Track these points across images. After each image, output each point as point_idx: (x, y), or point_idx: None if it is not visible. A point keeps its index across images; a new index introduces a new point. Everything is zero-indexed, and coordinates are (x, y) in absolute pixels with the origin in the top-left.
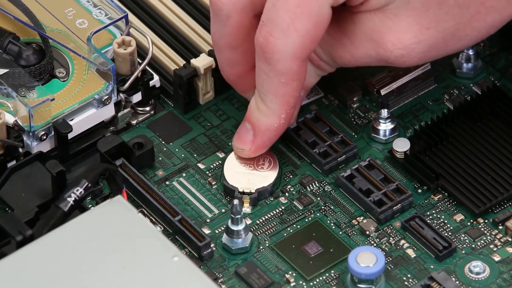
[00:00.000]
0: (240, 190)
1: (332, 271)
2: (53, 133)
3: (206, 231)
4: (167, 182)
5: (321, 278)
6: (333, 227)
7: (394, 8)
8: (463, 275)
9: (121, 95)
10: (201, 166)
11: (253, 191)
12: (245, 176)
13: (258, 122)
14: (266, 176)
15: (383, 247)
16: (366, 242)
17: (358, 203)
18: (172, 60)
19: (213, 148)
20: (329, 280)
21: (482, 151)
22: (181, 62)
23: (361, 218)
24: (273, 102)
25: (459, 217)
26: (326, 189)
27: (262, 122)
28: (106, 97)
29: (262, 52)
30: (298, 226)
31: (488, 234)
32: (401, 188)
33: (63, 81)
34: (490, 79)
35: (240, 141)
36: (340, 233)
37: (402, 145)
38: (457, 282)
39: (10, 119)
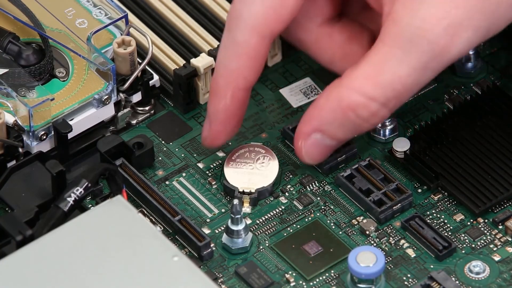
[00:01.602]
0: (240, 190)
1: (332, 271)
2: (53, 133)
3: (206, 231)
4: (167, 182)
5: (321, 278)
6: (333, 227)
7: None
8: (463, 275)
9: (121, 95)
10: (201, 166)
11: (253, 191)
12: (245, 175)
13: (209, 104)
14: (266, 176)
15: (383, 247)
16: (366, 242)
17: (358, 203)
18: (172, 60)
19: (213, 148)
20: (329, 280)
21: (482, 151)
22: (181, 62)
23: (361, 218)
24: (222, 77)
25: (459, 217)
26: (326, 189)
27: (211, 103)
28: (106, 97)
29: (227, 20)
30: (298, 226)
31: (488, 234)
32: (401, 188)
33: (63, 81)
34: (490, 79)
35: (202, 129)
36: (340, 233)
37: (402, 145)
38: (457, 282)
39: (10, 119)
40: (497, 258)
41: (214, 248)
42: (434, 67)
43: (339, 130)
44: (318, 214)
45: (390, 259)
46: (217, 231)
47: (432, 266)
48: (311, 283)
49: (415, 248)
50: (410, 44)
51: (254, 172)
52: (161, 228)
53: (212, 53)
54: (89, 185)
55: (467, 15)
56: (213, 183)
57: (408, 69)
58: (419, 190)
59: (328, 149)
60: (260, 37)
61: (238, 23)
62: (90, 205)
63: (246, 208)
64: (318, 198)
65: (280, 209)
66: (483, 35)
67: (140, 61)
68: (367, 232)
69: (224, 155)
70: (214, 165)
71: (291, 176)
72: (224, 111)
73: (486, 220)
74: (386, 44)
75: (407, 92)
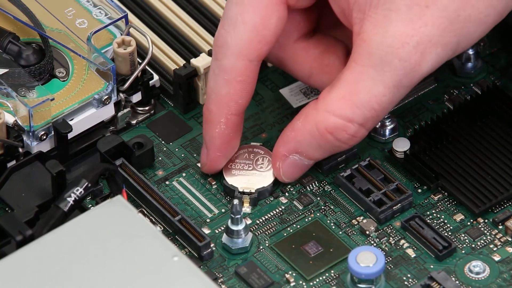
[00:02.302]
0: (240, 190)
1: (332, 271)
2: (53, 133)
3: (206, 231)
4: (167, 182)
5: (321, 278)
6: (333, 227)
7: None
8: (463, 275)
9: (121, 95)
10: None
11: (253, 191)
12: (244, 176)
13: (204, 131)
14: (265, 176)
15: (383, 247)
16: (366, 242)
17: (358, 203)
18: (172, 60)
19: None
20: (329, 280)
21: (482, 151)
22: (181, 62)
23: (361, 218)
24: (214, 104)
25: (459, 217)
26: (326, 189)
27: (206, 130)
28: (106, 97)
29: (214, 48)
30: (298, 226)
31: (488, 234)
32: (401, 188)
33: (63, 81)
34: (490, 79)
35: (201, 156)
36: (340, 233)
37: (402, 145)
38: (457, 282)
39: (10, 119)
40: (497, 258)
41: (214, 248)
42: (407, 84)
43: (316, 152)
44: (318, 214)
45: (390, 259)
46: (217, 231)
47: (432, 266)
48: (311, 283)
49: (415, 248)
50: (382, 63)
51: (253, 173)
52: (161, 228)
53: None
54: (89, 185)
55: (436, 32)
56: (213, 183)
57: (383, 88)
58: (419, 190)
59: (306, 168)
60: (246, 60)
61: (224, 50)
62: (90, 205)
63: (246, 208)
64: (318, 198)
65: (280, 209)
66: (453, 51)
67: (140, 61)
68: (367, 232)
69: None
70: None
71: (291, 181)
72: (219, 137)
73: (486, 220)
74: (359, 64)
75: (383, 110)
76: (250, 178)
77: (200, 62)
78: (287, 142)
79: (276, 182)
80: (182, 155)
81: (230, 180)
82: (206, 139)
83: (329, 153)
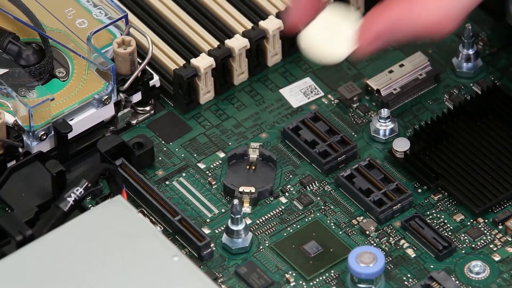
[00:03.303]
0: (240, 190)
1: (332, 271)
2: (53, 133)
3: (206, 231)
4: (167, 182)
5: (321, 278)
6: (333, 227)
7: None
8: (463, 275)
9: (121, 95)
10: (201, 166)
11: (253, 191)
12: (323, 36)
13: None
14: (344, 43)
15: (383, 247)
16: (366, 242)
17: (358, 203)
18: (172, 60)
19: (213, 148)
20: (329, 280)
21: (482, 151)
22: (181, 62)
23: (361, 218)
24: None
25: (459, 217)
26: (326, 189)
27: None
28: (106, 97)
29: None
30: (298, 226)
31: (488, 234)
32: (401, 188)
33: (63, 81)
34: (490, 79)
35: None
36: (340, 233)
37: (402, 145)
38: (457, 282)
39: (10, 119)
40: (497, 258)
41: (214, 248)
42: None
43: (409, 38)
44: (318, 214)
45: (390, 259)
46: (217, 231)
47: (432, 266)
48: (311, 283)
49: (415, 248)
50: None
51: (331, 35)
52: (161, 228)
53: (212, 53)
54: (89, 185)
55: None
56: (213, 183)
57: None
58: (419, 190)
59: (386, 46)
60: None
61: None
62: (90, 205)
63: (246, 208)
64: (318, 198)
65: (280, 209)
66: None
67: (140, 61)
68: (367, 232)
69: (224, 155)
70: (214, 165)
71: (291, 176)
72: None
73: (486, 220)
74: None
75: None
76: (328, 42)
77: (200, 62)
78: (385, 24)
79: (277, 182)
80: (182, 155)
81: (305, 42)
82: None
83: (420, 39)
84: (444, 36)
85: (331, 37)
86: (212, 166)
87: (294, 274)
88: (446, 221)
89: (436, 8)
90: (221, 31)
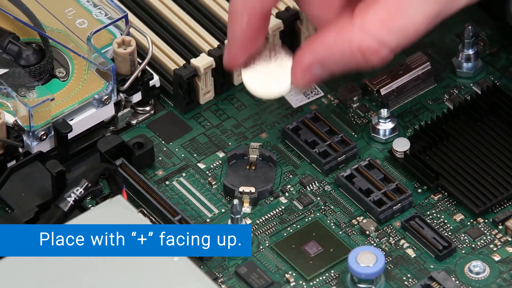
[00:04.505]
0: (240, 190)
1: (332, 271)
2: (53, 133)
3: None
4: (167, 182)
5: (321, 278)
6: (333, 227)
7: None
8: (463, 275)
9: (121, 95)
10: (201, 166)
11: (253, 191)
12: (260, 76)
13: (228, 27)
14: (282, 79)
15: (383, 247)
16: (366, 242)
17: (358, 203)
18: (172, 60)
19: (213, 148)
20: (329, 280)
21: (482, 151)
22: (181, 62)
23: (361, 218)
24: (239, 1)
25: (459, 217)
26: (326, 189)
27: (229, 26)
28: (106, 97)
29: None
30: (298, 226)
31: (488, 234)
32: (401, 188)
33: (63, 81)
34: (490, 79)
35: (223, 52)
36: (340, 233)
37: (402, 145)
38: (457, 282)
39: (10, 119)
40: (497, 258)
41: None
42: (443, 16)
43: (339, 67)
44: (318, 214)
45: (390, 259)
46: None
47: (432, 266)
48: (311, 283)
49: (415, 248)
50: None
51: (270, 74)
52: None
53: (212, 53)
54: (89, 185)
55: None
56: (213, 183)
57: (422, 16)
58: (419, 190)
59: (321, 78)
60: None
61: None
62: (90, 205)
63: (246, 208)
64: (318, 198)
65: (280, 209)
66: None
67: (140, 61)
68: (367, 232)
69: (224, 155)
70: (214, 165)
71: (291, 176)
72: (240, 34)
73: (486, 220)
74: None
75: (415, 39)
76: (267, 80)
77: (200, 62)
78: (315, 54)
79: (277, 182)
80: (182, 155)
81: (247, 79)
82: (228, 35)
83: (349, 69)
84: (377, 64)
85: (270, 75)
86: (212, 166)
87: (294, 274)
88: (446, 221)
89: (375, 31)
90: (221, 31)
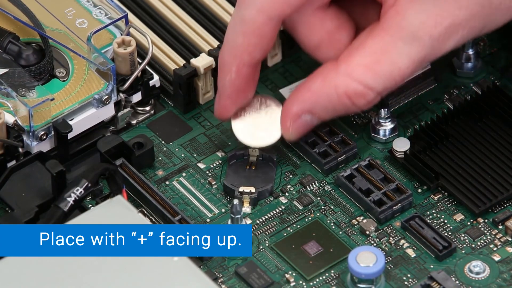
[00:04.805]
0: (240, 190)
1: (332, 271)
2: (53, 133)
3: None
4: (167, 182)
5: (321, 278)
6: (333, 227)
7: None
8: (463, 275)
9: (121, 95)
10: (201, 166)
11: (253, 191)
12: (251, 127)
13: (218, 78)
14: (272, 131)
15: (383, 247)
16: (366, 242)
17: (358, 203)
18: (172, 60)
19: (213, 147)
20: (329, 280)
21: (482, 151)
22: (181, 62)
23: (361, 218)
24: (228, 52)
25: (459, 217)
26: (326, 189)
27: (219, 77)
28: (106, 97)
29: None
30: (298, 226)
31: (488, 234)
32: (401, 188)
33: (63, 81)
34: (490, 79)
35: (214, 102)
36: (340, 233)
37: (402, 145)
38: (457, 282)
39: (10, 119)
40: (497, 258)
41: None
42: (429, 59)
43: (329, 113)
44: (318, 214)
45: (390, 259)
46: None
47: (432, 266)
48: (311, 283)
49: (415, 248)
50: (412, 37)
51: (260, 126)
52: None
53: (212, 53)
54: (89, 185)
55: (467, 17)
56: (213, 183)
57: (408, 61)
58: (419, 190)
59: (312, 126)
60: (267, 17)
61: (247, 1)
62: (90, 205)
63: (246, 208)
64: (318, 198)
65: (280, 209)
66: (476, 33)
67: (140, 61)
68: (367, 232)
69: (224, 155)
70: (214, 165)
71: (291, 176)
72: (230, 86)
73: (486, 220)
74: (388, 34)
75: (402, 82)
76: (257, 131)
77: (200, 62)
78: (302, 102)
79: (277, 182)
80: (182, 155)
81: (237, 129)
82: (218, 86)
83: (339, 114)
84: (366, 107)
85: (260, 126)
86: (212, 166)
87: (294, 274)
88: (446, 221)
89: (360, 75)
90: (221, 31)
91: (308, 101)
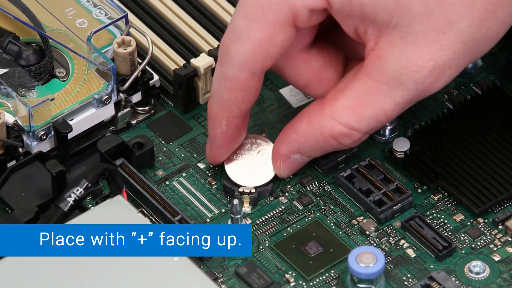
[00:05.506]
0: (240, 190)
1: (332, 271)
2: (53, 133)
3: None
4: (167, 182)
5: (321, 278)
6: (333, 227)
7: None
8: (463, 275)
9: (121, 95)
10: (201, 166)
11: (253, 191)
12: (245, 169)
13: (208, 128)
14: (266, 171)
15: (383, 247)
16: (366, 242)
17: (358, 203)
18: (172, 60)
19: None
20: (329, 280)
21: (482, 151)
22: (181, 62)
23: (361, 218)
24: (216, 105)
25: (459, 217)
26: (326, 189)
27: (209, 128)
28: (106, 97)
29: (219, 53)
30: (298, 226)
31: (488, 234)
32: (401, 188)
33: (63, 81)
34: (490, 79)
35: (206, 147)
36: (340, 233)
37: (402, 145)
38: (457, 282)
39: (10, 119)
40: (497, 258)
41: None
42: (416, 101)
43: (318, 152)
44: (318, 214)
45: (390, 259)
46: None
47: (432, 266)
48: (311, 283)
49: (415, 248)
50: (395, 82)
51: (254, 167)
52: None
53: (212, 53)
54: (89, 185)
55: (451, 56)
56: (213, 183)
57: (392, 104)
58: (419, 190)
59: (304, 163)
60: (249, 73)
61: (228, 59)
62: (90, 205)
63: (246, 208)
64: (318, 198)
65: (280, 209)
66: (463, 68)
67: (140, 61)
68: (367, 232)
69: None
70: (214, 165)
71: (291, 176)
72: (221, 136)
73: (486, 220)
74: (371, 78)
75: (388, 121)
76: (251, 172)
77: (200, 62)
78: (289, 143)
79: (276, 180)
80: (182, 155)
81: (231, 172)
82: (209, 135)
83: (329, 152)
84: (353, 145)
85: (253, 167)
86: (212, 166)
87: (294, 274)
88: (446, 221)
89: (344, 118)
90: (221, 31)
91: (295, 142)
